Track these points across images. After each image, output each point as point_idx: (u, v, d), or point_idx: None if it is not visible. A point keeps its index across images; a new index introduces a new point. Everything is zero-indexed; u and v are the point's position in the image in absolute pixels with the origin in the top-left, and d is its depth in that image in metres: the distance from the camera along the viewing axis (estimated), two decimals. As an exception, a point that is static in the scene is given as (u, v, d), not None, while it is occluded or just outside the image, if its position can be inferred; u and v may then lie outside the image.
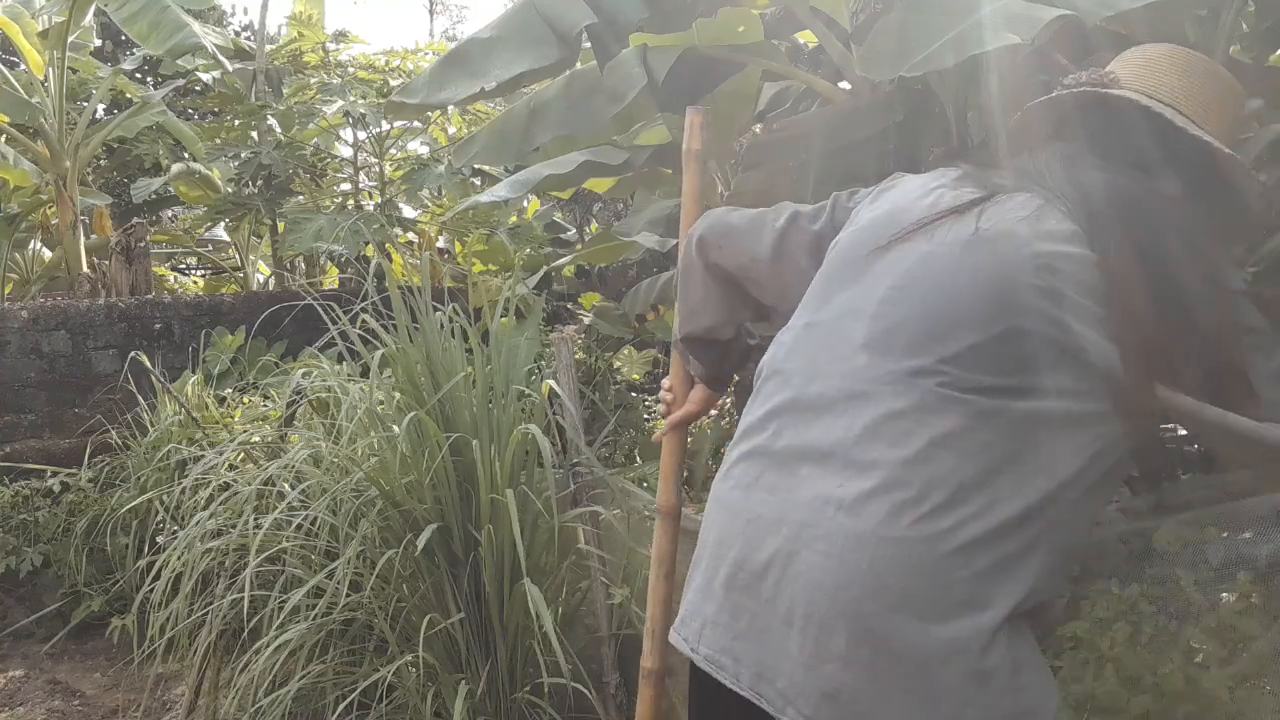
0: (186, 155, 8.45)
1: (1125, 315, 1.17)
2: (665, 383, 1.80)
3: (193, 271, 10.85)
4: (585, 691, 2.30)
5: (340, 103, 6.31)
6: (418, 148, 7.68)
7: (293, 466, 2.80)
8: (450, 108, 6.34)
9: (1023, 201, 1.28)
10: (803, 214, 1.53)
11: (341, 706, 2.36)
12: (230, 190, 7.20)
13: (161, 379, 4.59)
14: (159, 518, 3.41)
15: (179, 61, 7.10)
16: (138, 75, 10.11)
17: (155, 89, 8.53)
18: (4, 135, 7.57)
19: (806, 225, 1.51)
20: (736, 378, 2.31)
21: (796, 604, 1.16)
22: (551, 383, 2.82)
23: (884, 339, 1.24)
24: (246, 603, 2.47)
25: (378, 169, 7.36)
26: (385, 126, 6.90)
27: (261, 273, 9.71)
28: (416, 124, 7.20)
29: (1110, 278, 1.18)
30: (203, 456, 3.29)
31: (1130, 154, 1.32)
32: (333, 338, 2.85)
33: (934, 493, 1.13)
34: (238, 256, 9.21)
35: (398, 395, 2.66)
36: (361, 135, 7.13)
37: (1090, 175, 1.28)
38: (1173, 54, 1.41)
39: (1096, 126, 1.37)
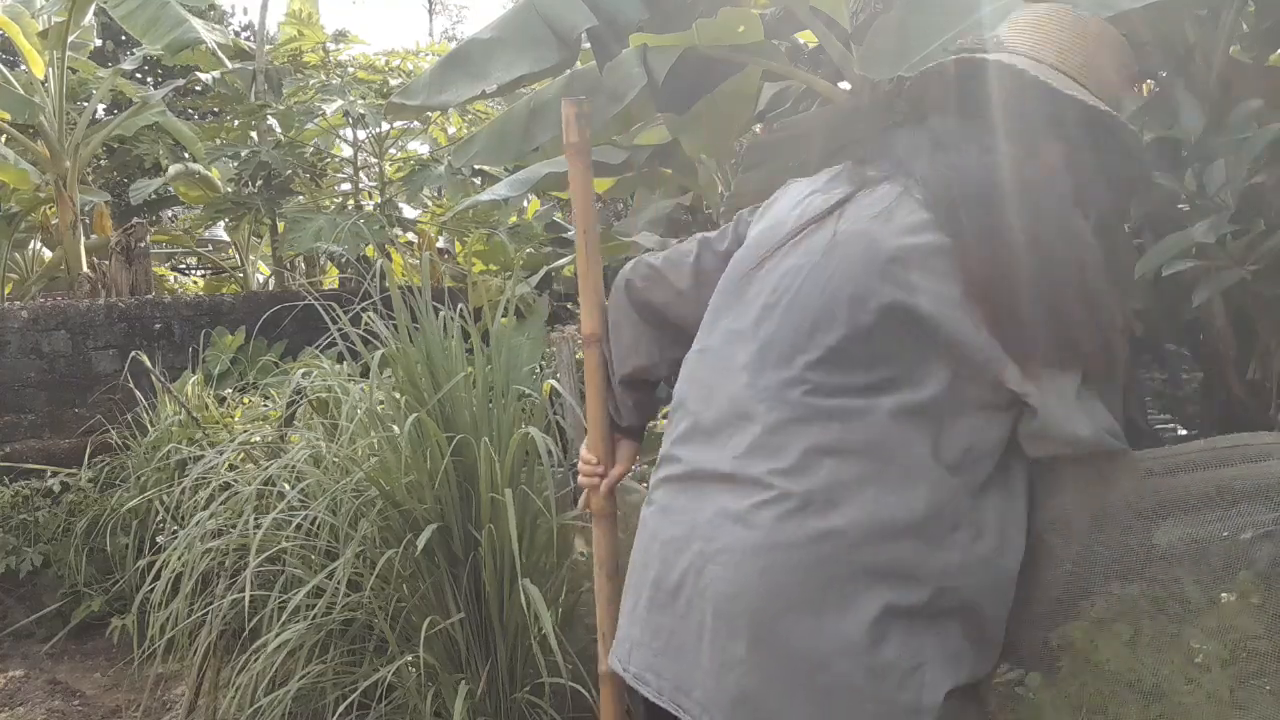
0: (186, 155, 8.45)
1: (985, 298, 1.18)
2: (584, 453, 1.70)
3: (193, 271, 10.85)
4: (585, 692, 2.30)
5: (340, 102, 6.31)
6: (418, 148, 7.68)
7: (293, 466, 2.80)
8: (450, 109, 6.34)
9: (881, 195, 1.29)
10: (710, 238, 1.59)
11: (342, 707, 2.35)
12: (230, 190, 7.21)
13: (161, 379, 4.59)
14: (159, 518, 3.41)
15: (179, 59, 7.10)
16: (138, 75, 10.11)
17: (155, 89, 8.53)
18: (4, 135, 7.57)
19: (715, 248, 1.56)
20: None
21: (705, 616, 1.22)
22: (553, 382, 2.82)
23: (759, 357, 1.29)
24: (247, 603, 2.47)
25: (377, 169, 7.36)
26: (385, 127, 6.90)
27: (261, 273, 9.71)
28: (416, 124, 7.21)
29: (967, 263, 1.19)
30: (203, 456, 3.29)
31: (1013, 122, 1.31)
32: (333, 338, 2.85)
33: (816, 497, 1.17)
34: (238, 256, 9.20)
35: (398, 395, 2.66)
36: (361, 135, 7.13)
37: (954, 158, 1.27)
38: (1057, 13, 1.39)
39: (974, 97, 1.34)
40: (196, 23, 6.73)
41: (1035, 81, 1.30)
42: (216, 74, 7.15)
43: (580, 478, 1.70)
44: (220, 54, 6.83)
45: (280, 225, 6.86)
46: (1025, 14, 1.41)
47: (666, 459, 1.39)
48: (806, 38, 3.53)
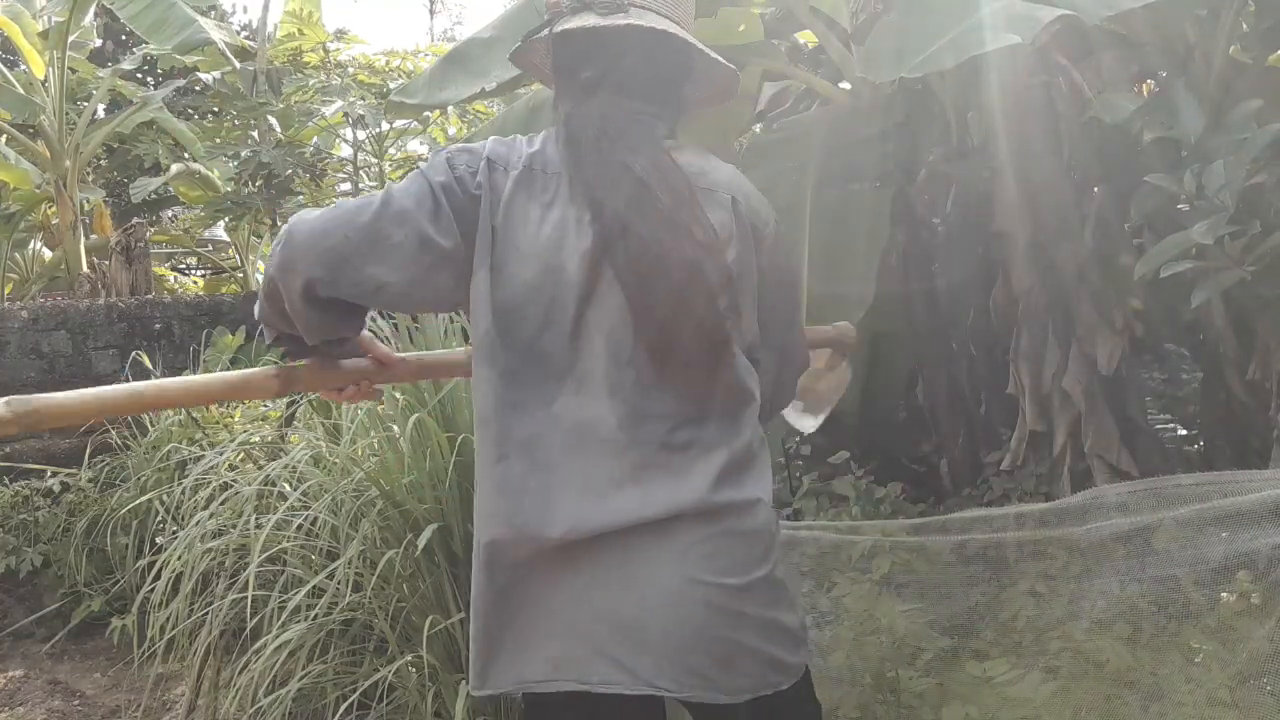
0: (186, 155, 8.45)
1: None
2: (338, 396, 1.49)
3: (193, 271, 10.85)
4: (585, 691, 2.30)
5: (340, 103, 6.31)
6: (417, 148, 7.68)
7: (293, 467, 2.80)
8: (450, 108, 6.34)
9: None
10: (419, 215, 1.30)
11: (343, 707, 2.35)
12: (230, 190, 7.21)
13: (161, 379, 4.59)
14: (159, 518, 3.41)
15: (185, 60, 7.09)
16: (137, 75, 10.11)
17: (155, 89, 8.53)
18: (4, 135, 7.57)
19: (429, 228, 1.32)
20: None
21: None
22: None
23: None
24: (249, 603, 2.47)
25: (377, 169, 7.36)
26: (385, 126, 6.91)
27: (261, 273, 9.70)
28: (415, 124, 7.21)
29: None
30: (203, 456, 3.29)
31: (652, 92, 1.35)
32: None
33: None
34: (238, 256, 9.21)
35: (398, 395, 2.66)
36: (361, 135, 7.13)
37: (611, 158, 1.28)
38: None
39: (615, 62, 1.34)
40: (205, 22, 6.73)
41: (682, 48, 1.35)
42: (216, 74, 7.15)
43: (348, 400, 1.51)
44: (228, 53, 6.82)
45: (280, 223, 6.86)
46: None
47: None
48: (806, 38, 3.53)
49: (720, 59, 1.40)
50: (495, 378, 1.28)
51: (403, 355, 1.50)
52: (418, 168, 1.31)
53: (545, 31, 1.35)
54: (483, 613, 1.31)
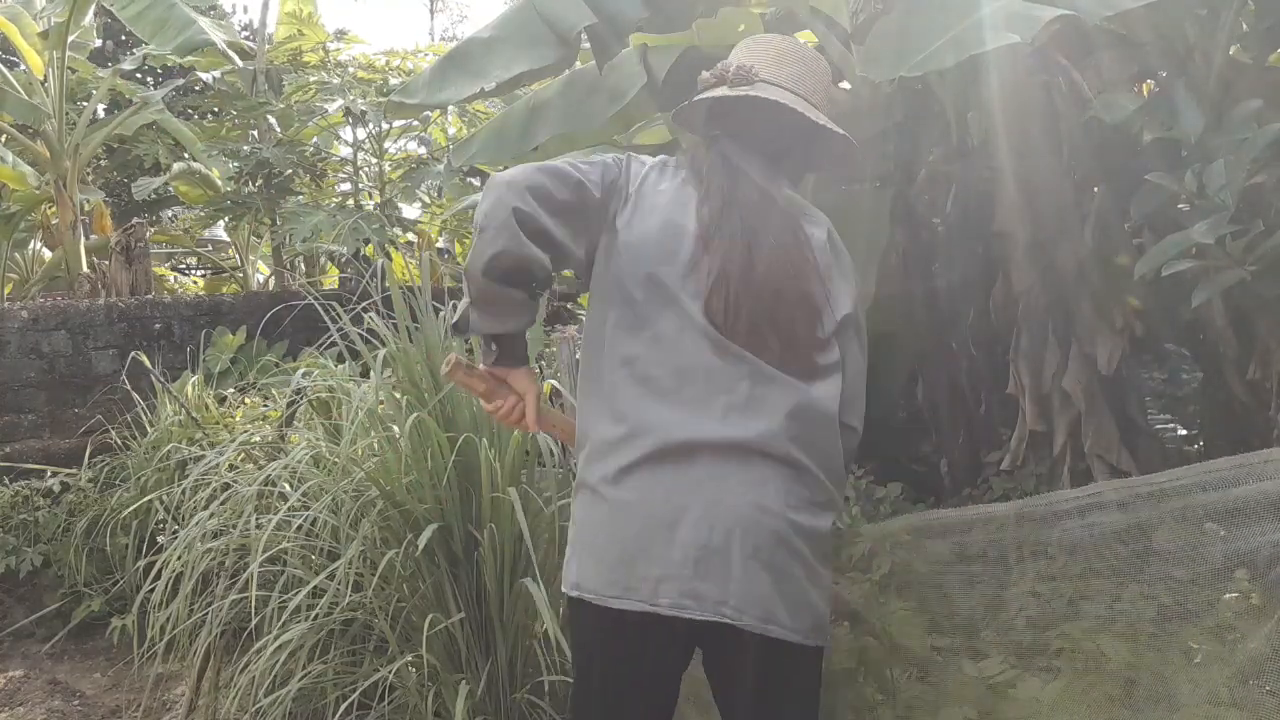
0: (186, 155, 8.45)
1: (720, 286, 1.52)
2: (487, 406, 1.72)
3: (193, 271, 10.85)
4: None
5: (340, 101, 6.32)
6: (416, 148, 7.68)
7: (293, 467, 2.79)
8: (450, 107, 6.34)
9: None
10: (589, 177, 1.62)
11: (343, 707, 2.35)
12: (230, 190, 7.21)
13: (161, 379, 4.59)
14: (159, 518, 3.41)
15: (184, 59, 7.09)
16: (137, 75, 10.11)
17: (155, 89, 8.53)
18: (3, 136, 7.57)
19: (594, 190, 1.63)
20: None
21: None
22: (553, 382, 2.82)
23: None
24: (251, 603, 2.47)
25: (377, 169, 7.36)
26: (385, 126, 6.91)
27: (261, 273, 9.72)
28: (415, 124, 7.21)
29: (711, 257, 1.54)
30: (203, 456, 3.29)
31: (770, 144, 1.67)
32: (333, 338, 2.84)
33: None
34: (238, 256, 9.21)
35: (399, 395, 2.66)
36: (361, 135, 7.13)
37: (737, 174, 1.62)
38: (785, 44, 1.75)
39: (744, 121, 1.68)
40: (204, 22, 6.72)
41: (797, 116, 1.64)
42: (216, 73, 7.15)
43: (509, 422, 1.72)
44: (230, 52, 6.82)
45: (280, 221, 6.87)
46: (763, 44, 1.74)
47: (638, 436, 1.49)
48: (806, 38, 3.53)
49: (835, 128, 1.68)
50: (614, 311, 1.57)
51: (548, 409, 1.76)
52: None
53: (692, 100, 1.70)
54: (586, 523, 1.54)
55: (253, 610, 2.47)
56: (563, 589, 1.58)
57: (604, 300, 1.58)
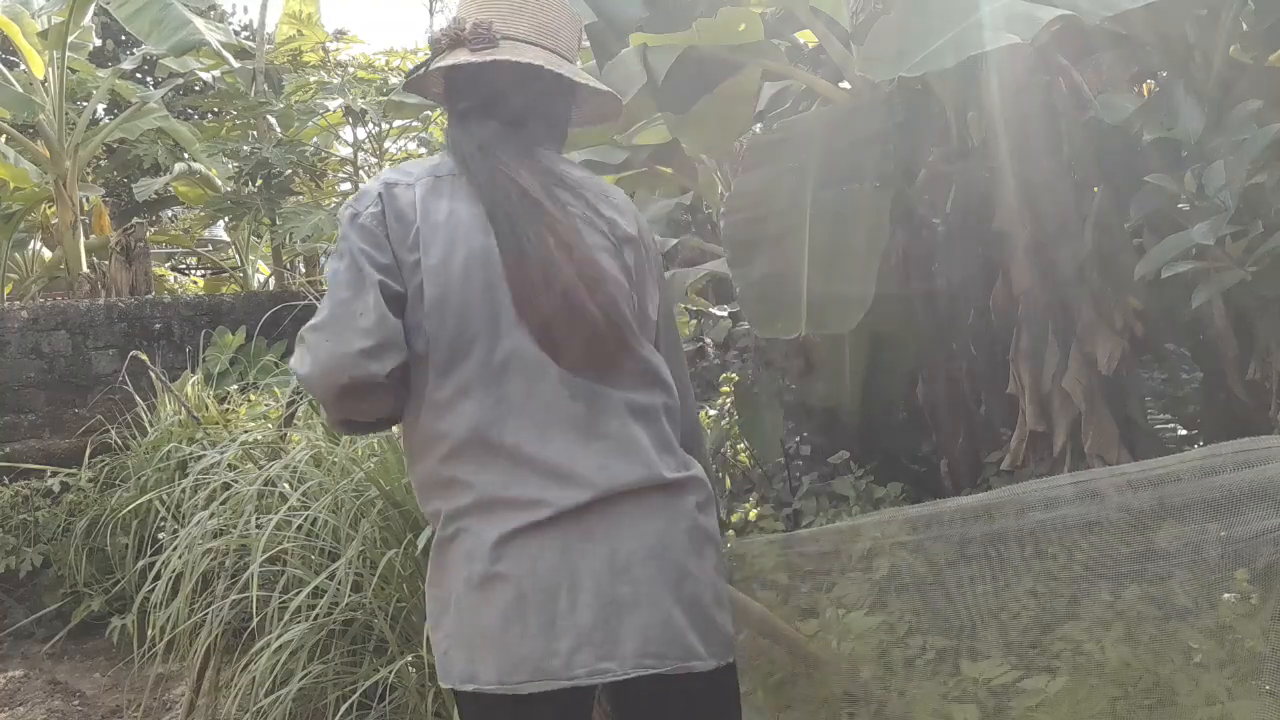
0: (186, 156, 8.45)
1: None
2: None
3: (193, 271, 10.85)
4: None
5: (340, 100, 6.32)
6: (416, 148, 7.68)
7: (293, 466, 2.80)
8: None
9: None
10: (367, 272, 1.38)
11: (343, 708, 2.35)
12: (230, 190, 7.21)
13: (161, 379, 4.59)
14: (159, 518, 3.41)
15: (180, 60, 7.09)
16: (137, 75, 10.11)
17: (155, 88, 8.53)
18: (3, 135, 7.57)
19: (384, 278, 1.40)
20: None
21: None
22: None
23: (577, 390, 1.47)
24: (252, 603, 2.47)
25: (377, 169, 7.36)
26: (385, 125, 6.91)
27: (261, 273, 9.71)
28: (415, 124, 7.21)
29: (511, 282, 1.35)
30: (203, 456, 3.29)
31: (527, 111, 1.46)
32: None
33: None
34: (237, 256, 9.21)
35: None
36: (361, 135, 7.13)
37: (501, 170, 1.39)
38: None
39: (492, 87, 1.45)
40: (200, 23, 6.72)
41: (556, 78, 1.45)
42: (216, 73, 7.15)
43: None
44: (225, 53, 6.81)
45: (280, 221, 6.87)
46: None
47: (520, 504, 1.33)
48: (806, 38, 3.53)
49: (599, 85, 1.52)
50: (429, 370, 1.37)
51: None
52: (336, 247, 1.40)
53: (424, 68, 1.48)
54: (469, 606, 1.35)
55: (252, 610, 2.48)
56: (445, 684, 1.38)
57: (430, 366, 1.35)
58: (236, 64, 6.99)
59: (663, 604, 1.33)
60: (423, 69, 1.49)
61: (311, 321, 1.36)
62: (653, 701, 1.37)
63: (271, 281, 8.98)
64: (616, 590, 1.31)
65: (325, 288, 1.38)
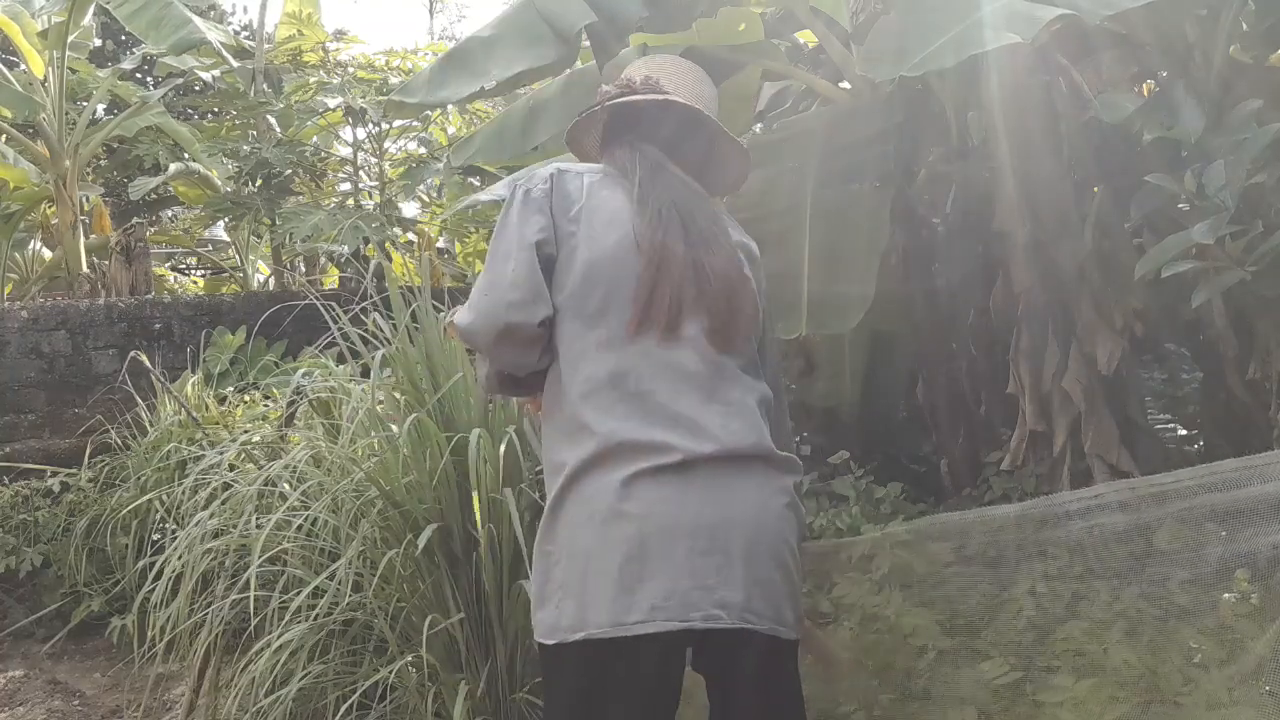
0: (185, 155, 8.45)
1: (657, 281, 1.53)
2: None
3: (193, 271, 10.85)
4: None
5: (340, 99, 6.32)
6: (416, 148, 7.68)
7: (293, 467, 2.79)
8: (450, 107, 6.34)
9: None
10: (527, 232, 1.61)
11: (343, 708, 2.35)
12: (230, 190, 7.21)
13: (161, 379, 4.59)
14: (159, 518, 3.41)
15: (180, 59, 7.09)
16: (137, 75, 10.11)
17: (155, 88, 8.53)
18: (3, 135, 7.57)
19: (537, 236, 1.62)
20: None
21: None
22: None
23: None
24: (252, 603, 2.47)
25: (377, 168, 7.36)
26: (385, 125, 6.91)
27: (261, 273, 9.72)
28: (415, 123, 7.21)
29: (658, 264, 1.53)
30: (203, 456, 3.29)
31: (680, 147, 1.69)
32: (333, 338, 2.84)
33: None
34: (237, 256, 9.21)
35: (398, 395, 2.66)
36: (361, 134, 7.13)
37: (662, 175, 1.63)
38: (680, 62, 1.83)
39: (657, 127, 1.70)
40: (200, 22, 6.72)
41: (702, 119, 1.71)
42: (216, 73, 7.15)
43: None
44: (224, 52, 6.81)
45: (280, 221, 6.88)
46: (658, 62, 1.81)
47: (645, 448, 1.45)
48: (806, 38, 3.53)
49: (739, 141, 1.76)
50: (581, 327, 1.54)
51: None
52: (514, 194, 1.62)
53: (590, 110, 1.72)
54: (587, 548, 1.43)
55: (251, 610, 2.48)
56: (550, 639, 1.45)
57: (577, 318, 1.54)
58: (236, 63, 6.99)
59: (767, 566, 1.43)
60: (587, 111, 1.73)
61: (475, 285, 1.59)
62: (734, 657, 1.46)
63: (271, 281, 8.98)
64: (730, 543, 1.41)
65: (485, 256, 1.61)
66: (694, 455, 1.42)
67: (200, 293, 8.95)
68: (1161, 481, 1.58)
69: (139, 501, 3.78)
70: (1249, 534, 1.38)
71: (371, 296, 2.77)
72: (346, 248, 5.82)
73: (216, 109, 7.88)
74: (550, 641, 1.44)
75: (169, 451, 3.98)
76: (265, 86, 6.89)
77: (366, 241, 5.92)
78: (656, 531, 1.39)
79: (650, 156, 1.64)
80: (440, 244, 8.55)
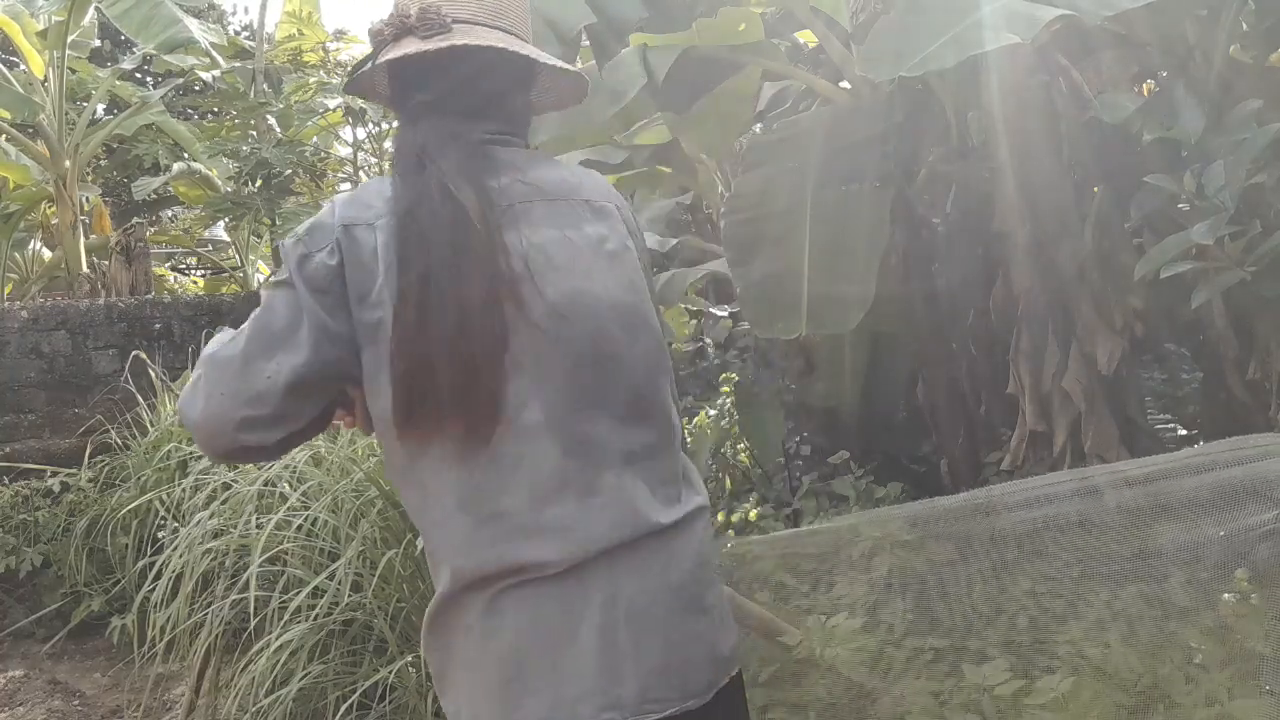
0: (185, 155, 8.46)
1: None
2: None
3: (193, 271, 10.86)
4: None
5: (340, 99, 6.33)
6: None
7: (293, 467, 2.80)
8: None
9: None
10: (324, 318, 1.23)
11: (343, 708, 2.36)
12: (230, 190, 7.21)
13: (162, 378, 4.59)
14: (159, 518, 3.41)
15: (176, 59, 7.09)
16: (137, 75, 10.11)
17: (155, 89, 8.53)
18: (3, 135, 7.57)
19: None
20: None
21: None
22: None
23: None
24: (252, 603, 2.47)
25: (377, 168, 7.36)
26: (385, 125, 6.91)
27: (261, 273, 9.72)
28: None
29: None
30: (203, 456, 3.29)
31: (486, 101, 1.29)
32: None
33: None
34: (237, 256, 9.21)
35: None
36: (361, 134, 7.14)
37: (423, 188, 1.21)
38: None
39: (447, 76, 1.28)
40: (191, 22, 6.72)
41: (520, 60, 1.29)
42: (216, 73, 7.15)
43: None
44: (215, 53, 6.82)
45: (280, 221, 6.88)
46: None
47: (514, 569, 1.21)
48: (806, 38, 3.54)
49: (564, 65, 1.35)
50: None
51: None
52: (270, 283, 1.26)
53: (369, 63, 1.31)
54: (465, 660, 1.25)
55: (251, 611, 2.48)
56: None
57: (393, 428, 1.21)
58: (225, 64, 6.99)
59: (660, 647, 1.25)
60: (365, 65, 1.31)
61: (213, 351, 1.24)
62: None
63: (271, 281, 8.97)
64: (615, 636, 1.23)
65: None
66: (569, 563, 1.21)
67: (200, 293, 8.96)
68: (1151, 464, 1.57)
69: (139, 501, 3.79)
70: (1241, 513, 1.38)
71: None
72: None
73: (216, 109, 7.88)
74: None
75: (169, 451, 3.99)
76: (265, 86, 6.90)
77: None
78: (533, 646, 1.22)
79: (429, 144, 1.23)
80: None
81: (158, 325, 5.91)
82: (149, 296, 6.40)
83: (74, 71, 7.82)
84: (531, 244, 1.21)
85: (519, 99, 1.35)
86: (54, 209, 7.58)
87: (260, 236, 8.15)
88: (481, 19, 1.29)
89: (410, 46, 1.25)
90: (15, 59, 7.87)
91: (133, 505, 3.85)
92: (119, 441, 4.67)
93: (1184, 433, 3.02)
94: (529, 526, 1.20)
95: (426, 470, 1.21)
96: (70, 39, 7.03)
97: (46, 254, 8.78)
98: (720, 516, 2.90)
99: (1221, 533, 1.46)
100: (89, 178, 8.80)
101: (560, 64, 1.34)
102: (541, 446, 1.20)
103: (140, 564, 3.17)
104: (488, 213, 1.19)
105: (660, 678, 1.25)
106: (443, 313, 1.15)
